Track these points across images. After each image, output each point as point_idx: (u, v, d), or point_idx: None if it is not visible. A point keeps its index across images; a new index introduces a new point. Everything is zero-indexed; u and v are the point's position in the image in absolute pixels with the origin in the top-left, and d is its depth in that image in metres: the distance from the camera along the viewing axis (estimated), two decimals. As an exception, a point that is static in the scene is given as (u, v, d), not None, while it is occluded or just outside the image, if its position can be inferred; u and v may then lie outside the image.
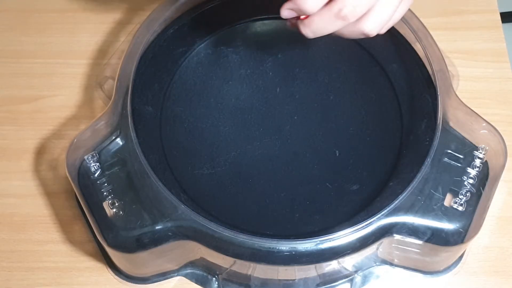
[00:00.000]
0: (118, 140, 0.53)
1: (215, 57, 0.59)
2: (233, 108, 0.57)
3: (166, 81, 0.58)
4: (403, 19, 0.57)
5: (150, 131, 0.55)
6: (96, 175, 0.51)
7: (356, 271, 0.54)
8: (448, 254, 0.53)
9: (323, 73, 0.59)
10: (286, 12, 0.46)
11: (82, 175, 0.52)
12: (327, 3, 0.44)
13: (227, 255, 0.49)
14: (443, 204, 0.50)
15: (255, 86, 0.58)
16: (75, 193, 0.57)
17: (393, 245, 0.52)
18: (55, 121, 0.61)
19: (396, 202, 0.49)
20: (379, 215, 0.49)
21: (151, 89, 0.57)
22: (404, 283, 0.55)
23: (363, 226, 0.49)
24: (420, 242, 0.50)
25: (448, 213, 0.50)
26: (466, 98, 0.55)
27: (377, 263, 0.55)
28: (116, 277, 0.55)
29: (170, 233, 0.49)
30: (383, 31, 0.48)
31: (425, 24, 0.57)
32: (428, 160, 0.50)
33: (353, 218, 0.51)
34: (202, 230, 0.49)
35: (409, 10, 0.57)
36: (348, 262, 0.53)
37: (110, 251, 0.51)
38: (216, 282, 0.55)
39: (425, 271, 0.55)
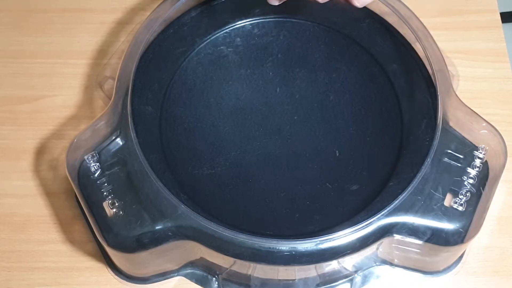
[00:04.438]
0: (118, 140, 0.53)
1: (215, 57, 0.59)
2: (233, 108, 0.57)
3: (166, 81, 0.58)
4: (403, 19, 0.57)
5: (150, 131, 0.55)
6: (96, 175, 0.51)
7: (356, 271, 0.54)
8: (448, 254, 0.53)
9: (323, 73, 0.59)
10: None
11: (82, 175, 0.52)
12: None
13: (227, 255, 0.49)
14: (443, 204, 0.50)
15: (255, 86, 0.58)
16: (75, 193, 0.57)
17: (393, 245, 0.52)
18: (55, 121, 0.61)
19: (396, 202, 0.49)
20: (379, 215, 0.49)
21: (151, 89, 0.57)
22: (404, 283, 0.55)
23: (363, 226, 0.49)
24: (420, 242, 0.50)
25: (448, 213, 0.50)
26: (466, 98, 0.55)
27: (377, 263, 0.55)
28: (116, 277, 0.55)
29: (170, 233, 0.49)
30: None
31: (425, 24, 0.57)
32: (428, 160, 0.50)
33: (353, 218, 0.51)
34: (202, 230, 0.49)
35: (409, 10, 0.57)
36: (348, 262, 0.53)
37: (110, 251, 0.51)
38: (216, 282, 0.55)
39: (425, 271, 0.55)
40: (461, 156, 0.52)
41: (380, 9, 0.60)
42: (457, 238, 0.50)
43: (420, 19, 0.57)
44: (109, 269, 0.55)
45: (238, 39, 0.60)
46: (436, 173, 0.51)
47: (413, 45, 0.58)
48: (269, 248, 0.48)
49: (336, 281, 0.54)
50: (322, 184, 0.53)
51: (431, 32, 0.56)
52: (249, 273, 0.53)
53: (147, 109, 0.56)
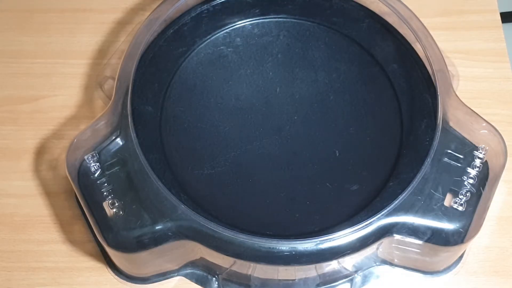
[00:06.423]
0: (118, 140, 0.53)
1: (215, 57, 0.59)
2: (233, 108, 0.57)
3: (166, 81, 0.58)
4: (403, 19, 0.57)
5: (150, 131, 0.55)
6: (96, 175, 0.51)
7: (356, 271, 0.54)
8: (448, 254, 0.53)
9: (323, 73, 0.59)
10: None
11: (82, 175, 0.52)
12: None
13: (227, 255, 0.49)
14: (443, 204, 0.50)
15: (255, 86, 0.58)
16: (75, 193, 0.57)
17: (393, 245, 0.52)
18: (55, 121, 0.61)
19: (396, 202, 0.49)
20: (379, 215, 0.49)
21: (151, 89, 0.57)
22: (404, 283, 0.55)
23: (363, 226, 0.49)
24: (420, 242, 0.50)
25: (448, 213, 0.50)
26: (466, 98, 0.55)
27: (377, 263, 0.55)
28: (116, 277, 0.55)
29: (170, 233, 0.49)
30: None
31: (425, 24, 0.57)
32: (428, 160, 0.50)
33: (353, 218, 0.51)
34: (202, 230, 0.49)
35: (409, 10, 0.57)
36: (348, 262, 0.53)
37: (110, 251, 0.51)
38: (216, 282, 0.55)
39: (425, 271, 0.55)
40: (461, 156, 0.52)
41: (380, 9, 0.60)
42: (457, 238, 0.50)
43: (420, 19, 0.57)
44: (109, 269, 0.55)
45: (238, 39, 0.60)
46: (436, 173, 0.51)
47: (413, 45, 0.58)
48: (269, 248, 0.48)
49: (336, 281, 0.54)
50: (322, 184, 0.53)
51: (431, 32, 0.56)
52: (249, 273, 0.53)
53: (147, 109, 0.56)
